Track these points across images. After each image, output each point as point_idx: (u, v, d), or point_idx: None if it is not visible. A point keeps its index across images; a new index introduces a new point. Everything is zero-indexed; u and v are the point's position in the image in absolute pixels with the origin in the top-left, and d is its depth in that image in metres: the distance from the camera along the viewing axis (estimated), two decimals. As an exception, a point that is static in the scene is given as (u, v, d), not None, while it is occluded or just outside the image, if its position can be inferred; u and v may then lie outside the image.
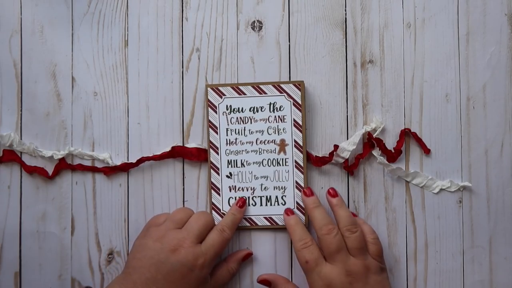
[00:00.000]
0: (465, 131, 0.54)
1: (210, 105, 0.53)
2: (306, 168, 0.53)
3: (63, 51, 0.54)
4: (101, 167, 0.54)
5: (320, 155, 0.54)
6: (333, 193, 0.52)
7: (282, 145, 0.53)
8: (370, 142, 0.53)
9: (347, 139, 0.54)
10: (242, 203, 0.52)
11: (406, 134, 0.54)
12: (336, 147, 0.53)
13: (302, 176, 0.53)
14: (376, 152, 0.53)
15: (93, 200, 0.54)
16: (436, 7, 0.54)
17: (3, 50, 0.54)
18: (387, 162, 0.53)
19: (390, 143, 0.54)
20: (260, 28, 0.55)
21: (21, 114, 0.54)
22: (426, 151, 0.54)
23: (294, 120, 0.53)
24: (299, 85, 0.53)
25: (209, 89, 0.53)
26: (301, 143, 0.53)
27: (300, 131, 0.53)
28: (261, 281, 0.53)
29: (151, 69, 0.54)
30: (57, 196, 0.54)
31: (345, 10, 0.54)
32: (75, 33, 0.54)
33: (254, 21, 0.55)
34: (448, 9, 0.54)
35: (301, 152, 0.53)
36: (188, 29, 0.55)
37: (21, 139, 0.54)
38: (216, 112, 0.53)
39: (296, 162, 0.53)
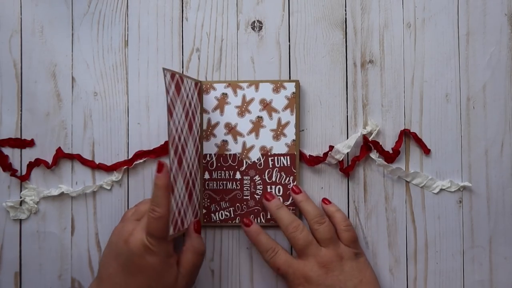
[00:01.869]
0: (465, 131, 0.54)
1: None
2: (299, 167, 0.53)
3: (63, 51, 0.54)
4: (99, 163, 0.54)
5: (315, 155, 0.54)
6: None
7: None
8: (367, 145, 0.53)
9: (347, 139, 0.54)
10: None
11: (406, 135, 0.54)
12: (331, 147, 0.53)
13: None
14: (374, 155, 0.53)
15: (93, 200, 0.54)
16: (436, 7, 0.54)
17: (3, 50, 0.54)
18: (386, 163, 0.53)
19: (391, 143, 0.54)
20: (260, 28, 0.55)
21: (21, 114, 0.54)
22: (426, 151, 0.54)
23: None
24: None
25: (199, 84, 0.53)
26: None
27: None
28: (243, 222, 0.52)
29: (151, 69, 0.54)
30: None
31: (345, 10, 0.54)
32: (75, 33, 0.54)
33: (254, 21, 0.55)
34: (448, 9, 0.54)
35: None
36: (188, 29, 0.55)
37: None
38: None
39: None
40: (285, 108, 0.53)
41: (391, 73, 0.54)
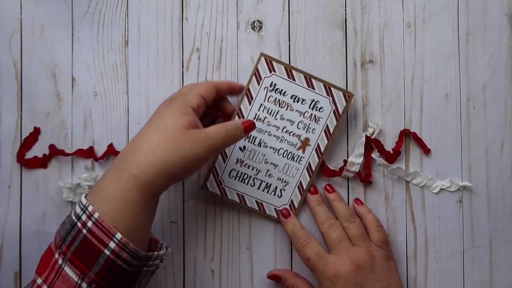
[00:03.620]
0: (465, 131, 0.54)
1: (256, 74, 0.52)
2: (316, 174, 0.53)
3: (63, 51, 0.54)
4: (101, 155, 0.54)
5: (331, 167, 0.54)
6: (330, 189, 0.53)
7: (305, 143, 0.53)
8: (369, 145, 0.53)
9: (347, 139, 0.54)
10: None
11: (406, 135, 0.54)
12: (345, 162, 0.53)
13: (308, 179, 0.53)
14: (374, 155, 0.53)
15: (93, 200, 0.54)
16: (436, 7, 0.54)
17: (3, 50, 0.54)
18: (386, 163, 0.53)
19: (390, 143, 0.54)
20: (260, 28, 0.55)
21: (21, 114, 0.54)
22: (426, 151, 0.54)
23: (327, 126, 0.52)
24: (348, 96, 0.52)
25: (262, 58, 0.52)
26: (322, 150, 0.52)
27: (328, 138, 0.52)
28: (271, 277, 0.53)
29: (151, 69, 0.54)
30: (57, 196, 0.54)
31: (345, 10, 0.54)
32: (75, 33, 0.54)
33: (254, 21, 0.55)
34: (448, 9, 0.54)
35: (319, 158, 0.52)
36: (188, 29, 0.55)
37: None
38: (259, 83, 0.52)
39: (309, 164, 0.52)
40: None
41: (391, 73, 0.54)
